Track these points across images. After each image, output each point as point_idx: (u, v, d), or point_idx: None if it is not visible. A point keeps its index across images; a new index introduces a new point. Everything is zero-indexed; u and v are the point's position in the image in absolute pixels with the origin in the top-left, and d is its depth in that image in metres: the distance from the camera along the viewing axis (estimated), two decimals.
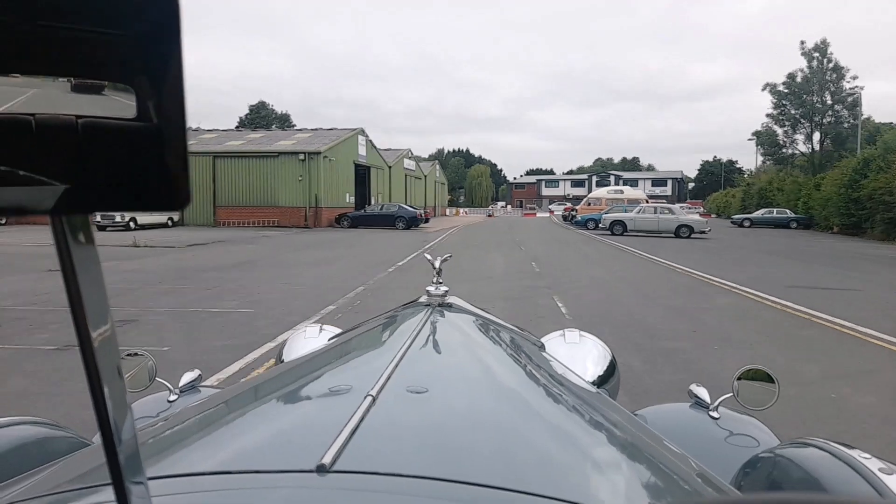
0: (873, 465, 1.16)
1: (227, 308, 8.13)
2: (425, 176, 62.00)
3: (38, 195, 0.31)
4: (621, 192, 37.25)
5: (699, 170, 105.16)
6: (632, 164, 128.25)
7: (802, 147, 47.85)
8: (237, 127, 65.64)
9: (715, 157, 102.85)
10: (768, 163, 52.92)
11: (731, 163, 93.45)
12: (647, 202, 34.29)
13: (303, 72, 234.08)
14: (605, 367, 2.13)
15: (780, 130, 48.42)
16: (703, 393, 1.74)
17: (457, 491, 0.63)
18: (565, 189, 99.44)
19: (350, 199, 36.85)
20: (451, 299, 1.91)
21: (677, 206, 28.36)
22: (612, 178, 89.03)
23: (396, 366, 1.03)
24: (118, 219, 26.73)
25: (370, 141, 41.26)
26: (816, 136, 46.58)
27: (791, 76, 46.12)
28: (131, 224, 27.29)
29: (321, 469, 0.63)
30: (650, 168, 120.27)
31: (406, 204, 39.63)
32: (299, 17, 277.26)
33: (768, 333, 6.99)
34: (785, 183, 43.75)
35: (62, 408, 4.07)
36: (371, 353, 1.48)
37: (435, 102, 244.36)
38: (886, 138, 34.00)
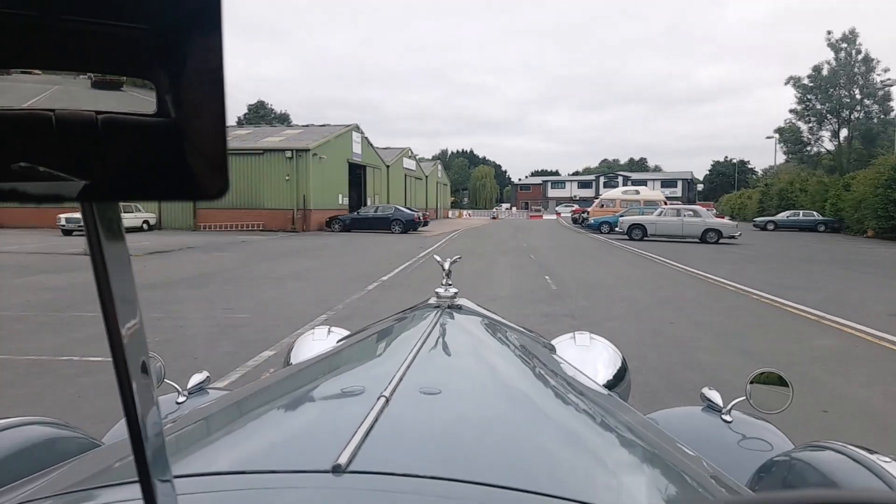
0: (893, 468, 1.13)
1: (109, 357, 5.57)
2: (426, 176, 59.36)
3: (59, 190, 0.32)
4: (637, 192, 34.39)
5: (710, 170, 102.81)
6: (639, 166, 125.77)
7: (829, 145, 44.86)
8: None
9: (726, 157, 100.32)
10: (791, 161, 49.85)
11: (743, 163, 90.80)
12: (665, 203, 31.70)
13: (305, 74, 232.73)
14: (615, 370, 2.12)
15: (804, 127, 45.37)
16: (715, 396, 1.70)
17: (472, 492, 0.64)
18: (572, 190, 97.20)
19: (343, 200, 34.21)
20: (460, 301, 1.88)
21: (701, 207, 25.63)
22: (619, 179, 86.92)
23: (408, 367, 1.02)
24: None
25: (366, 138, 38.59)
26: (844, 132, 43.56)
27: (816, 69, 43.03)
28: None
29: (337, 469, 0.63)
30: (657, 169, 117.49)
31: (405, 206, 37.12)
32: (301, 19, 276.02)
33: None
34: (808, 183, 41.21)
35: None
36: (382, 354, 1.45)
37: (439, 105, 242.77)
38: None
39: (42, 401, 4.48)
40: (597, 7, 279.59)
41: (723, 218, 36.92)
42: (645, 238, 24.05)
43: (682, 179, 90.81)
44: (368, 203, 36.39)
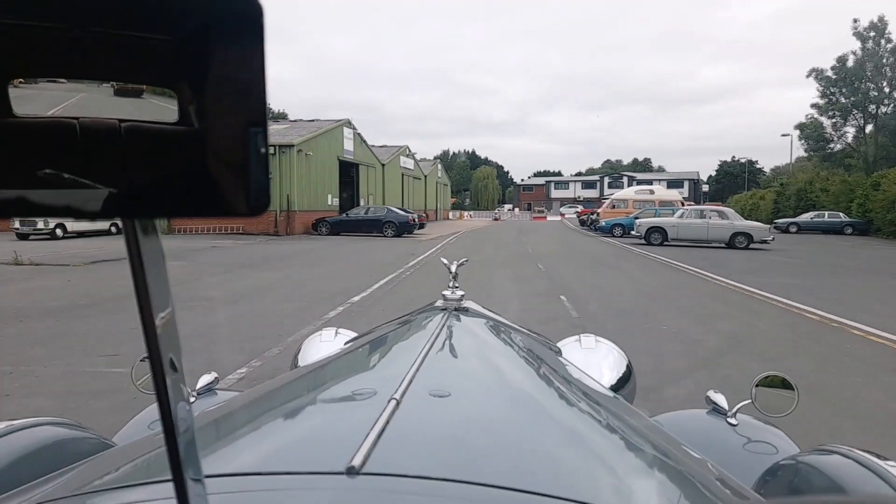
0: None
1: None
2: (426, 176, 56.72)
3: (84, 198, 0.32)
4: (651, 192, 31.68)
5: (717, 170, 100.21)
6: (643, 166, 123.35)
7: (853, 141, 41.89)
8: None
9: (734, 157, 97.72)
10: (813, 159, 46.89)
11: (752, 163, 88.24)
12: (683, 204, 29.14)
13: (306, 75, 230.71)
14: (621, 373, 2.12)
15: (827, 122, 42.39)
16: (720, 399, 1.67)
17: (482, 494, 0.64)
18: (575, 191, 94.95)
19: (333, 201, 31.61)
20: (467, 303, 1.88)
21: (727, 209, 22.98)
22: (624, 180, 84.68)
23: (418, 370, 1.02)
24: (41, 225, 21.83)
25: (359, 134, 35.93)
26: (870, 128, 40.61)
27: (841, 60, 39.97)
28: (58, 231, 22.40)
29: (351, 471, 0.63)
30: (660, 170, 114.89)
31: (403, 207, 34.58)
32: (303, 21, 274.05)
33: None
34: (830, 182, 38.61)
35: None
36: (392, 356, 1.44)
37: (440, 106, 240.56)
38: None
39: None
40: (597, 7, 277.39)
41: None
42: (665, 243, 21.49)
43: (689, 179, 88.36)
44: (361, 203, 33.79)
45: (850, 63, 39.60)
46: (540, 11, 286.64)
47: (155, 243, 0.38)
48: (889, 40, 38.17)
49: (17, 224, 21.86)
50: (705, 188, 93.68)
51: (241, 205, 0.33)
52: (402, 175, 47.32)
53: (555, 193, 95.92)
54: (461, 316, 1.67)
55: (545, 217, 64.20)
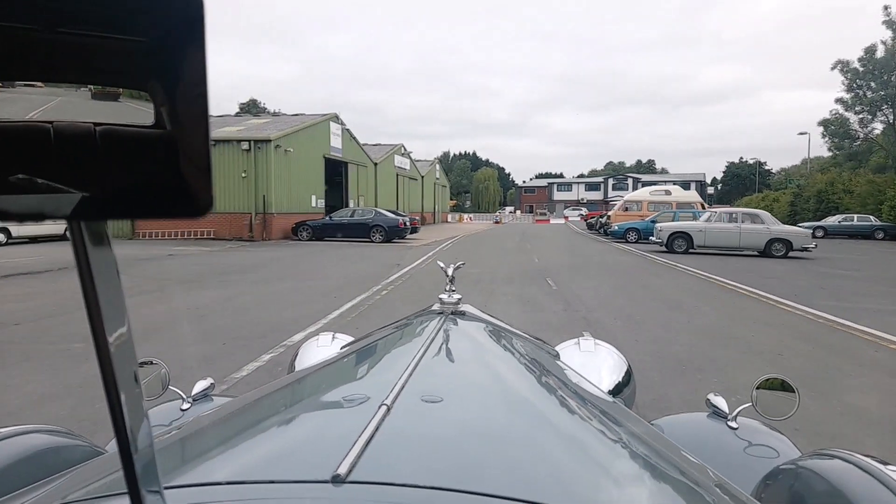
0: None
1: None
2: (423, 177, 53.95)
3: (57, 202, 0.31)
4: (667, 192, 28.88)
5: (724, 172, 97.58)
6: (647, 168, 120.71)
7: (881, 138, 38.94)
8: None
9: (741, 158, 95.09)
10: (837, 157, 44.02)
11: (761, 164, 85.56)
12: (703, 206, 26.51)
13: (307, 76, 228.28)
14: (620, 376, 2.08)
15: (854, 118, 39.50)
16: (721, 403, 1.66)
17: (475, 503, 0.63)
18: (578, 193, 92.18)
19: (318, 202, 28.88)
20: (464, 307, 1.85)
21: (763, 212, 20.27)
22: (629, 181, 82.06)
23: (411, 375, 1.01)
24: None
25: (348, 130, 33.15)
26: None
27: (869, 50, 37.11)
28: (1, 237, 19.76)
29: (336, 479, 0.62)
30: (664, 172, 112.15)
31: (396, 209, 31.90)
32: (304, 22, 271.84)
33: None
34: (855, 183, 35.94)
35: None
36: (385, 361, 1.43)
37: (441, 107, 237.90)
38: None
39: None
40: (598, 8, 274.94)
41: None
42: (690, 251, 18.82)
43: (695, 181, 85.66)
44: (351, 205, 31.11)
45: (879, 53, 36.79)
46: (543, 12, 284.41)
47: (107, 252, 0.37)
48: None
49: None
50: (711, 190, 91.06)
51: (201, 206, 0.32)
52: (397, 175, 44.60)
53: (557, 195, 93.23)
54: (458, 320, 1.67)
55: (548, 220, 61.46)
